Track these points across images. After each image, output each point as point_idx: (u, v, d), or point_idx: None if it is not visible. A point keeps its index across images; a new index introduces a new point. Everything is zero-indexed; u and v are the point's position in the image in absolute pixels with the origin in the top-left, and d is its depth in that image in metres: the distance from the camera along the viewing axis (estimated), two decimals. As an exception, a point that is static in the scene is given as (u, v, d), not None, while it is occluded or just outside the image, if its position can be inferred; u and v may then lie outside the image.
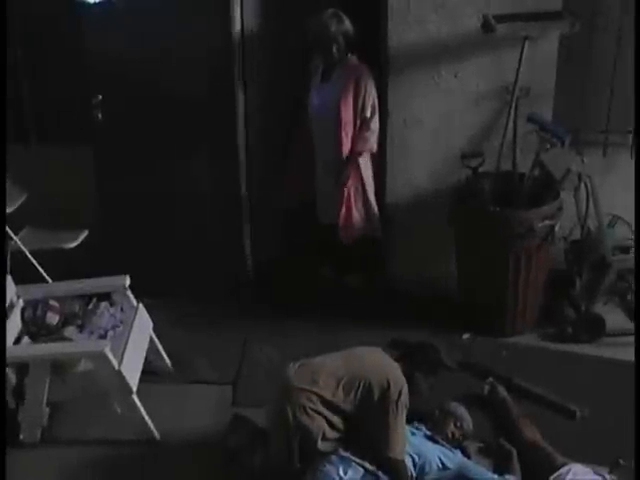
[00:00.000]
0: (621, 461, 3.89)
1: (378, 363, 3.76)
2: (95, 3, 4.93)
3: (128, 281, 4.52)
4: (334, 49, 5.03)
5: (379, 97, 5.18)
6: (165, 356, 4.75)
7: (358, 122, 5.12)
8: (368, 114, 5.09)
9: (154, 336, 4.65)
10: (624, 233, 5.24)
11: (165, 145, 5.24)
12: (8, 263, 4.78)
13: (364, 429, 3.69)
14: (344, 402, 3.64)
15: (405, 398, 3.64)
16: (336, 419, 3.65)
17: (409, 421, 3.97)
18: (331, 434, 3.64)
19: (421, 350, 3.95)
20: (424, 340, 4.10)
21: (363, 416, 3.66)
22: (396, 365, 3.77)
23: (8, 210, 4.76)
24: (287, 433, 3.59)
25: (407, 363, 3.82)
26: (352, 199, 5.25)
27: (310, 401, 3.60)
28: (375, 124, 5.13)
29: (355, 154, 5.17)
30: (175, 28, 5.02)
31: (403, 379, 3.69)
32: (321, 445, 3.60)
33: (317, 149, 5.35)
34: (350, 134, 5.13)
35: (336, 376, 3.67)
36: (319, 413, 3.60)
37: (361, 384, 3.65)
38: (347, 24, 4.99)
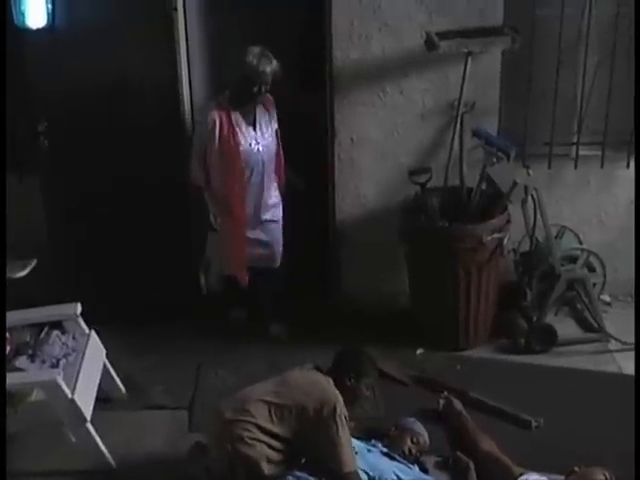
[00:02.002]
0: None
1: (307, 385, 3.75)
2: (38, 29, 4.89)
3: (79, 309, 4.47)
4: (262, 90, 4.75)
5: (327, 116, 5.22)
6: (119, 383, 4.70)
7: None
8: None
9: (107, 363, 4.60)
10: (571, 243, 5.33)
11: (113, 172, 5.20)
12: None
13: (310, 449, 3.69)
14: (280, 428, 3.65)
15: (342, 410, 3.64)
16: (277, 443, 3.64)
17: (366, 439, 3.99)
18: (276, 457, 3.64)
19: (347, 357, 3.97)
20: (350, 346, 4.14)
21: (305, 438, 3.66)
22: (325, 381, 3.77)
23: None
24: (230, 466, 3.59)
25: (337, 375, 3.83)
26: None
27: (246, 430, 3.59)
28: None
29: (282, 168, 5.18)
30: (120, 53, 5.01)
31: (335, 393, 3.69)
32: (267, 469, 3.59)
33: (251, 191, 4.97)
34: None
35: (267, 404, 3.67)
36: (258, 440, 3.60)
37: (293, 410, 3.65)
38: (275, 63, 4.71)
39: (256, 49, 4.67)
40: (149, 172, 5.23)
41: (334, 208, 5.44)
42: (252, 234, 5.04)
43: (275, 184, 5.10)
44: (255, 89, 4.71)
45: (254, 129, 4.87)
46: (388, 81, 5.17)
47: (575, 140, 5.39)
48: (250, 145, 4.83)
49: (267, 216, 5.06)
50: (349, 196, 5.41)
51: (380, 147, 5.30)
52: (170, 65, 5.06)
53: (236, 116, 4.80)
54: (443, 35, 4.89)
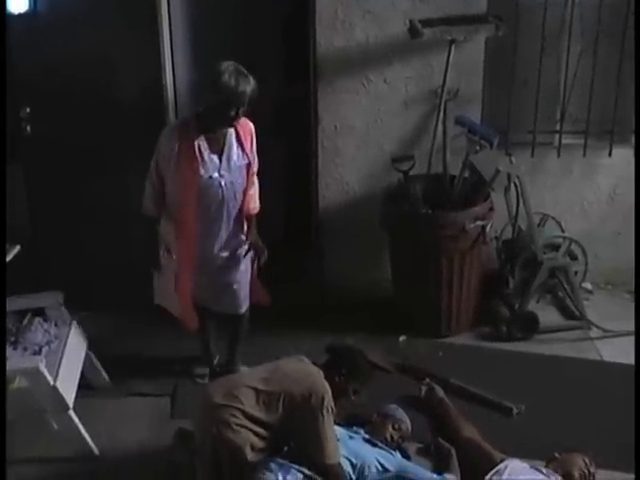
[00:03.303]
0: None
1: (298, 374, 3.74)
2: (20, 14, 4.87)
3: (61, 296, 4.46)
4: (239, 113, 4.06)
5: (311, 104, 5.21)
6: (102, 370, 4.69)
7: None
8: (255, 169, 4.39)
9: (90, 350, 4.59)
10: (553, 231, 5.35)
11: (96, 159, 5.19)
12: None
13: (295, 438, 3.70)
14: (267, 416, 3.64)
15: (329, 403, 3.62)
16: (262, 430, 3.63)
17: (348, 426, 4.01)
18: (260, 444, 3.63)
19: (344, 355, 3.95)
20: (350, 345, 4.14)
21: (291, 427, 3.66)
22: (316, 371, 3.76)
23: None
24: (213, 450, 3.59)
25: (329, 369, 3.80)
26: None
27: (233, 416, 3.58)
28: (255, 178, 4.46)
29: (251, 217, 4.49)
30: (103, 37, 4.98)
31: (324, 385, 3.67)
32: (251, 456, 3.58)
33: (213, 227, 4.34)
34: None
35: (255, 391, 3.66)
36: (244, 427, 3.58)
37: (281, 398, 3.63)
38: (253, 81, 4.01)
39: (230, 66, 3.98)
40: (132, 157, 5.21)
41: (317, 195, 5.45)
42: (207, 275, 4.44)
43: (240, 225, 4.42)
44: (232, 113, 4.03)
45: (219, 159, 4.19)
46: (372, 69, 5.17)
47: (558, 128, 5.41)
48: (210, 177, 4.16)
49: (227, 255, 4.43)
50: (332, 183, 5.42)
51: (363, 135, 5.31)
52: (153, 49, 5.03)
53: (201, 141, 4.13)
54: (427, 23, 4.91)
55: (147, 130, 5.10)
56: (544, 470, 3.67)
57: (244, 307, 4.60)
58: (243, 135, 4.25)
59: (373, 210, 5.18)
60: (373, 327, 5.15)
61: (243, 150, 4.25)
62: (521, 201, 5.04)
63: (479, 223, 4.87)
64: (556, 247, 5.23)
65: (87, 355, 4.55)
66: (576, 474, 3.64)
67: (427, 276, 5.02)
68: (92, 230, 5.30)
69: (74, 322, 4.49)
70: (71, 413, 4.03)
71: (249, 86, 3.98)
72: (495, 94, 5.34)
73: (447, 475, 3.77)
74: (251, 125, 4.30)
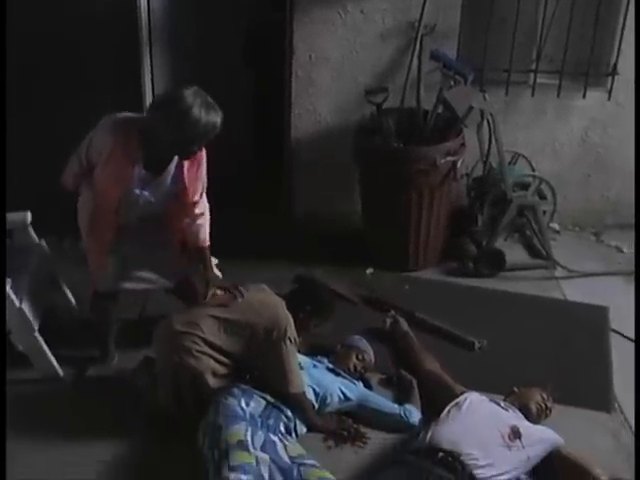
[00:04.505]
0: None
1: (260, 305, 3.77)
2: None
3: (29, 218, 4.42)
4: (201, 147, 3.65)
5: (286, 34, 5.15)
6: (69, 294, 4.68)
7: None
8: (196, 198, 3.89)
9: (57, 274, 4.58)
10: (524, 170, 5.37)
11: (66, 81, 5.10)
12: None
13: (257, 367, 3.75)
14: (228, 344, 3.68)
15: (292, 333, 3.66)
16: (224, 358, 3.68)
17: (312, 355, 4.05)
18: (222, 371, 3.68)
19: (310, 291, 4.02)
20: (316, 278, 4.14)
21: (253, 356, 3.71)
22: (279, 302, 3.78)
23: None
24: (174, 376, 3.63)
25: (293, 303, 3.82)
26: None
27: (194, 343, 3.61)
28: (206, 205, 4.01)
29: (203, 251, 4.09)
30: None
31: (287, 316, 3.71)
32: (212, 382, 3.64)
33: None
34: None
35: (216, 319, 3.70)
36: (205, 353, 3.63)
37: (243, 327, 3.68)
38: (220, 113, 3.49)
39: (198, 97, 3.43)
40: (104, 78, 5.14)
41: (290, 126, 5.41)
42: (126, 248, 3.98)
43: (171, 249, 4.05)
44: (195, 148, 3.59)
45: (150, 177, 3.71)
46: (349, -1, 5.12)
47: (533, 67, 5.39)
48: (129, 190, 3.72)
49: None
50: (305, 114, 5.38)
51: (338, 66, 5.27)
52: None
53: (138, 161, 3.64)
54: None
55: (119, 51, 5.08)
56: (502, 403, 3.74)
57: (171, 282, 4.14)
58: (188, 163, 3.72)
59: (345, 142, 5.16)
60: (341, 259, 5.17)
61: (180, 177, 3.75)
62: (493, 139, 5.04)
63: (450, 159, 4.87)
64: (526, 186, 5.24)
65: (54, 278, 4.54)
66: (533, 407, 3.72)
67: (396, 210, 5.02)
68: (59, 153, 5.23)
69: (42, 244, 4.45)
70: (36, 335, 4.03)
71: (218, 118, 3.48)
72: (472, 31, 5.30)
73: (408, 406, 3.84)
74: (203, 152, 3.77)
